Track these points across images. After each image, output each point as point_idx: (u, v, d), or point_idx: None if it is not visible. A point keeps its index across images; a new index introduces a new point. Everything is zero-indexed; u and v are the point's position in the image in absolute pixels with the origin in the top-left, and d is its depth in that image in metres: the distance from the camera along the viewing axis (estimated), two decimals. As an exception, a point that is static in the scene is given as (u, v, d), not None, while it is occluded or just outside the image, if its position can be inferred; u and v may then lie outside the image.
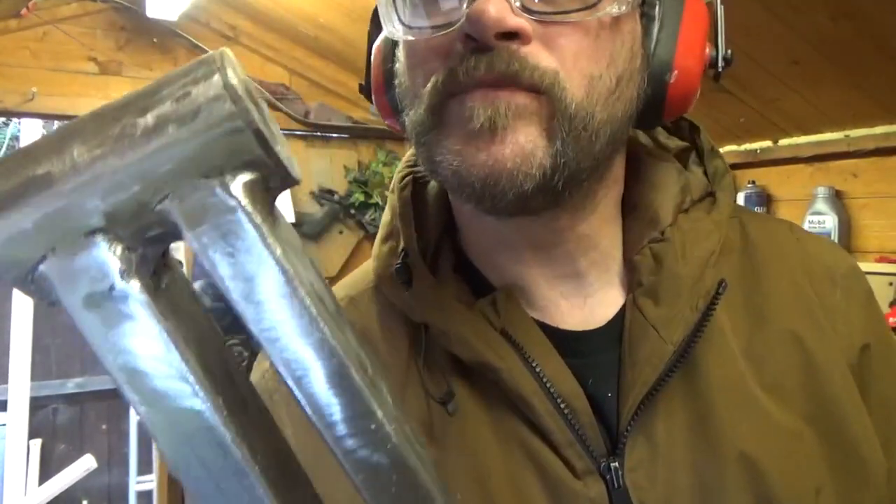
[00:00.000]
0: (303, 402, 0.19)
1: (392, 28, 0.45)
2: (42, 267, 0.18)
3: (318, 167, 3.01)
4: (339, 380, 0.18)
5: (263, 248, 0.17)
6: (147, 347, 0.18)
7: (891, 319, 1.52)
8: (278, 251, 0.18)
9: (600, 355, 0.48)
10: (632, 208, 0.52)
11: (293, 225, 2.37)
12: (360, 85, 0.55)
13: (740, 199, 2.12)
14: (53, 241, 0.18)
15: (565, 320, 0.50)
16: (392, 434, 0.19)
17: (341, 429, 0.19)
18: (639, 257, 0.49)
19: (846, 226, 1.88)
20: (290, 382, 0.19)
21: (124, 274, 0.18)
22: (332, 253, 2.94)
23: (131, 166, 0.17)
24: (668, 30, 0.46)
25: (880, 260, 1.78)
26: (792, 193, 2.08)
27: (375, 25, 0.53)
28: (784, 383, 0.48)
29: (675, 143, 0.56)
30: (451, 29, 0.42)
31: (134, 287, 0.18)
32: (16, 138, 3.49)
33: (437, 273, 0.51)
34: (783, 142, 2.03)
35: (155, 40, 2.63)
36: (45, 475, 2.80)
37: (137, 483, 3.03)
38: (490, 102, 0.41)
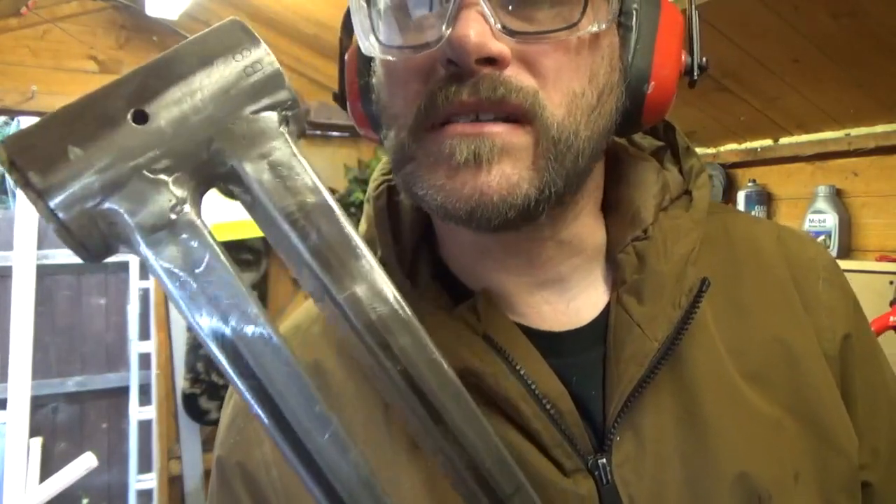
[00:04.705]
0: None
1: (368, 45, 0.45)
2: (108, 203, 0.22)
3: (318, 166, 2.96)
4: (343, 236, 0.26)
5: (297, 161, 0.25)
6: (201, 260, 0.23)
7: (891, 318, 1.52)
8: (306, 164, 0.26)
9: (583, 354, 0.48)
10: (613, 208, 0.52)
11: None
12: (334, 93, 0.54)
13: (741, 197, 2.11)
14: (124, 180, 0.22)
15: (548, 324, 0.50)
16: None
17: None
18: (623, 256, 0.49)
19: (846, 224, 1.88)
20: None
21: (183, 203, 0.23)
22: (332, 251, 2.94)
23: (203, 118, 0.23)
24: (644, 40, 0.46)
25: (880, 259, 1.78)
26: (792, 192, 2.08)
27: (347, 33, 0.52)
28: (765, 374, 0.49)
29: (649, 141, 0.56)
30: (430, 50, 0.41)
31: (191, 214, 0.23)
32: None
33: (415, 281, 0.50)
34: (784, 140, 2.03)
35: (155, 39, 2.63)
36: (45, 473, 2.80)
37: (137, 482, 3.03)
38: (472, 140, 0.40)
